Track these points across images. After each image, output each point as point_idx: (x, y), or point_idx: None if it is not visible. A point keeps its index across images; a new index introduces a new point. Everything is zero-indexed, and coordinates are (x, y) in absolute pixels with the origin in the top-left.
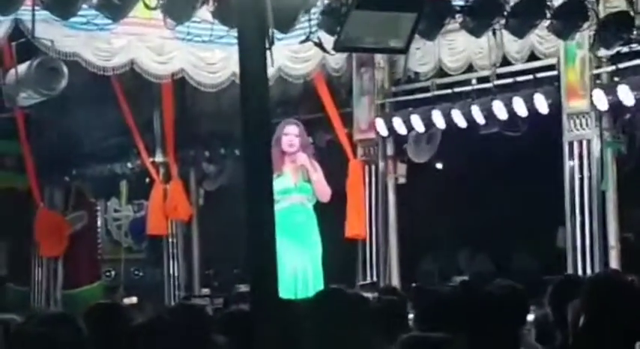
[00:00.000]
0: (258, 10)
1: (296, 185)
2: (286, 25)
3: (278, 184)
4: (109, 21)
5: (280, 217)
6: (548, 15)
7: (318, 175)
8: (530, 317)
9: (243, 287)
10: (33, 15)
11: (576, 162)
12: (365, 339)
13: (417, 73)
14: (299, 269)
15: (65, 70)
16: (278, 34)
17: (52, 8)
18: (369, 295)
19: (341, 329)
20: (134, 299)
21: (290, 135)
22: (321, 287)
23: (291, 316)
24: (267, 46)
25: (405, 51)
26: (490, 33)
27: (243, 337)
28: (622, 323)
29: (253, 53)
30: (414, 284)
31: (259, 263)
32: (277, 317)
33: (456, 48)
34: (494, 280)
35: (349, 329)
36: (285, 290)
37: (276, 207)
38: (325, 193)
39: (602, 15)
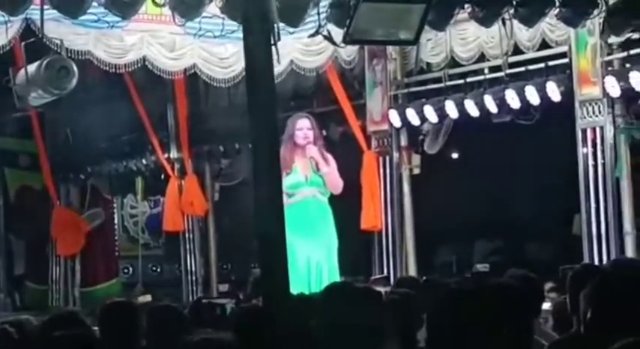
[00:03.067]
0: (262, 7)
1: (307, 178)
2: (296, 18)
3: (289, 179)
4: (120, 18)
5: (293, 211)
6: (557, 3)
7: (329, 167)
8: (547, 305)
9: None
10: (42, 13)
11: (590, 149)
12: (376, 333)
13: (429, 64)
14: (312, 262)
15: (75, 68)
16: (289, 28)
17: (61, 7)
18: (381, 289)
19: (350, 322)
20: (148, 297)
21: (303, 129)
22: (336, 280)
23: (301, 310)
24: (272, 42)
25: (414, 42)
26: (500, 22)
27: (252, 333)
28: (631, 315)
29: (259, 50)
30: (424, 278)
31: (269, 260)
32: (287, 312)
33: (467, 38)
34: (508, 269)
35: (359, 322)
36: (299, 284)
37: (290, 202)
38: (337, 185)
39: (610, 2)
